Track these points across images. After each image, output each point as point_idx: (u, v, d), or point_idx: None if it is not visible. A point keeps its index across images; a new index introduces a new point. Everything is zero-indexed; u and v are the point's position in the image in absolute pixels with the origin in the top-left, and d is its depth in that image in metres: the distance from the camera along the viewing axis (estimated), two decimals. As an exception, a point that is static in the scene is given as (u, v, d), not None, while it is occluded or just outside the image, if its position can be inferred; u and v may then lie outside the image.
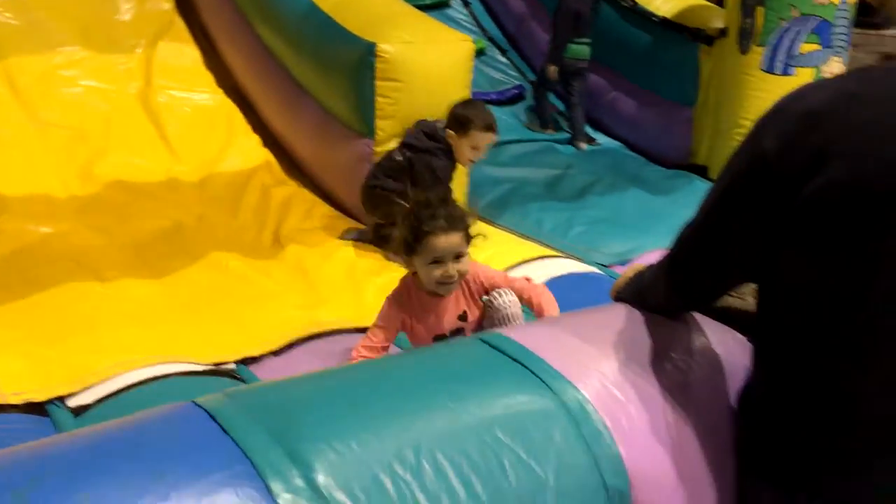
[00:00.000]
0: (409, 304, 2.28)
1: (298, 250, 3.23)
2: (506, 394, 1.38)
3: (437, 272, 2.15)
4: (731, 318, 1.65)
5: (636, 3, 5.06)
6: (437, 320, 2.30)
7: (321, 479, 1.15)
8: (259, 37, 4.13)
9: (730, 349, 1.57)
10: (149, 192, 3.63)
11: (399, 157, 3.31)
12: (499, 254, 3.14)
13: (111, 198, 3.55)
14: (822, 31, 4.29)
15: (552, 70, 4.97)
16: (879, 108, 1.12)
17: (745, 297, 1.65)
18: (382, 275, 2.99)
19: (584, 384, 1.42)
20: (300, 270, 3.09)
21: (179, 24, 4.55)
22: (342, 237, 3.40)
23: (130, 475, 1.11)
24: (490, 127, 3.29)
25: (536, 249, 3.37)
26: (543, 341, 1.53)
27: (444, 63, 3.56)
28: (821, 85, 1.21)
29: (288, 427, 1.23)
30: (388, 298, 2.32)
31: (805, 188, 1.16)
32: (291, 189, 3.83)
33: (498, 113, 5.01)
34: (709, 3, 5.00)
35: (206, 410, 1.26)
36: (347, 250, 3.24)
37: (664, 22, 4.94)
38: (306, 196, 3.79)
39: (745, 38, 4.49)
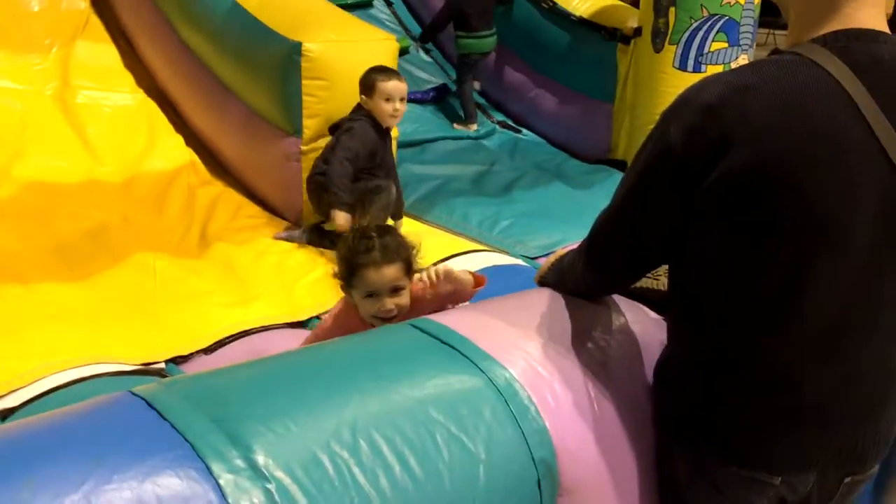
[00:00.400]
0: (348, 327, 2.13)
1: (226, 249, 3.23)
2: (436, 374, 1.44)
3: (374, 307, 2.06)
4: (646, 299, 1.75)
5: (555, 4, 5.19)
6: None
7: (261, 458, 1.19)
8: (180, 36, 4.09)
9: (646, 327, 1.67)
10: (70, 194, 3.57)
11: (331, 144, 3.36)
12: (427, 249, 3.19)
13: (30, 200, 3.48)
14: (730, 30, 4.50)
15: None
16: (771, 99, 1.23)
17: (659, 279, 1.75)
18: (314, 270, 3.02)
19: (511, 363, 1.50)
20: (228, 269, 3.09)
21: (96, 23, 4.47)
22: (276, 237, 3.41)
23: (71, 461, 1.12)
24: (388, 72, 3.35)
25: (464, 244, 3.44)
26: (470, 324, 1.60)
27: (369, 61, 3.58)
28: (717, 79, 1.30)
29: (226, 411, 1.26)
30: (329, 317, 2.25)
31: (710, 174, 1.25)
32: (218, 189, 3.81)
33: (423, 111, 5.12)
34: (624, 4, 5.17)
35: (142, 398, 1.29)
36: (276, 247, 3.25)
37: (582, 21, 5.08)
38: (233, 196, 3.78)
39: (659, 37, 4.66)
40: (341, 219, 3.17)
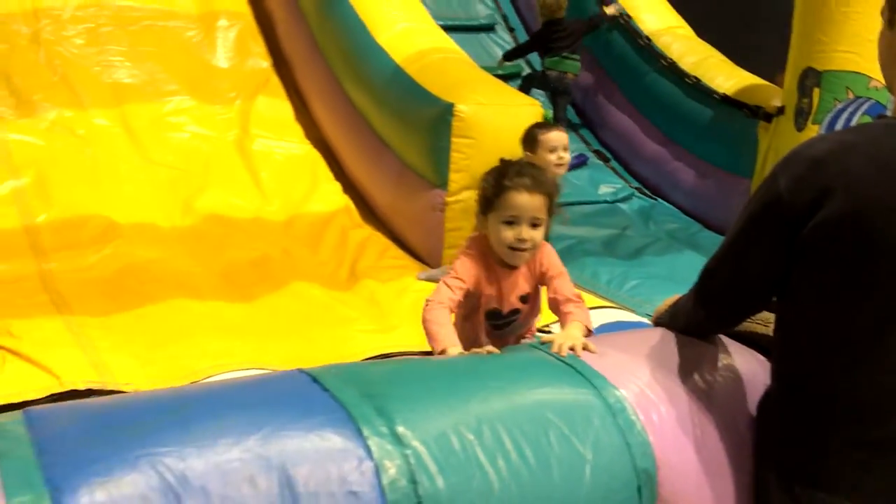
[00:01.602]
0: (482, 263, 2.14)
1: (372, 284, 3.55)
2: (555, 384, 1.64)
3: (510, 233, 2.02)
4: (756, 343, 1.89)
5: (699, 80, 5.35)
6: (499, 294, 2.19)
7: (401, 429, 1.43)
8: (347, 95, 4.55)
9: (752, 367, 1.80)
10: (241, 227, 4.02)
11: None
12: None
13: (208, 230, 3.95)
14: (875, 113, 4.51)
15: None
16: (870, 156, 1.39)
17: (769, 325, 1.88)
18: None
19: (622, 384, 1.67)
20: (373, 301, 3.40)
21: (275, 81, 5.02)
22: (418, 277, 3.70)
23: (252, 412, 1.40)
24: (547, 125, 3.60)
25: (592, 300, 3.61)
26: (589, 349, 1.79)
27: (514, 124, 3.88)
28: (824, 137, 1.48)
29: (376, 391, 1.51)
30: (463, 252, 2.19)
31: (812, 220, 1.42)
32: (367, 232, 4.18)
33: (564, 177, 5.37)
34: (767, 83, 5.26)
35: (308, 374, 1.56)
36: (417, 286, 3.54)
37: (725, 99, 5.21)
38: (381, 239, 4.13)
39: (802, 117, 4.72)
40: None
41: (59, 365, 2.58)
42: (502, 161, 2.16)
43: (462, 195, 3.83)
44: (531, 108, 4.01)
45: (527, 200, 2.03)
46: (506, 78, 5.50)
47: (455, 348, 1.97)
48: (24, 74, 4.29)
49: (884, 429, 1.45)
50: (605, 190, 5.33)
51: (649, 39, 5.61)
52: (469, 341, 2.30)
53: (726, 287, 1.63)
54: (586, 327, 2.01)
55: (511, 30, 6.43)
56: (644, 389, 1.68)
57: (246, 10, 5.21)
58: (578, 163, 5.52)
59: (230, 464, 1.30)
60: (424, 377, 1.62)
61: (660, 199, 5.44)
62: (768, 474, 1.61)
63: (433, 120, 3.83)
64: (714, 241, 4.94)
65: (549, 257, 2.21)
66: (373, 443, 1.40)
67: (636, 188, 5.53)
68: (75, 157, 4.11)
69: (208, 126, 4.59)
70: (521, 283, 2.21)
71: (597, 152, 5.79)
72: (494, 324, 2.30)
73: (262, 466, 1.31)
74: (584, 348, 1.78)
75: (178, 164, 4.30)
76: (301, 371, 1.59)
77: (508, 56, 5.90)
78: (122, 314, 3.08)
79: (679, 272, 4.13)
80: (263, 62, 5.07)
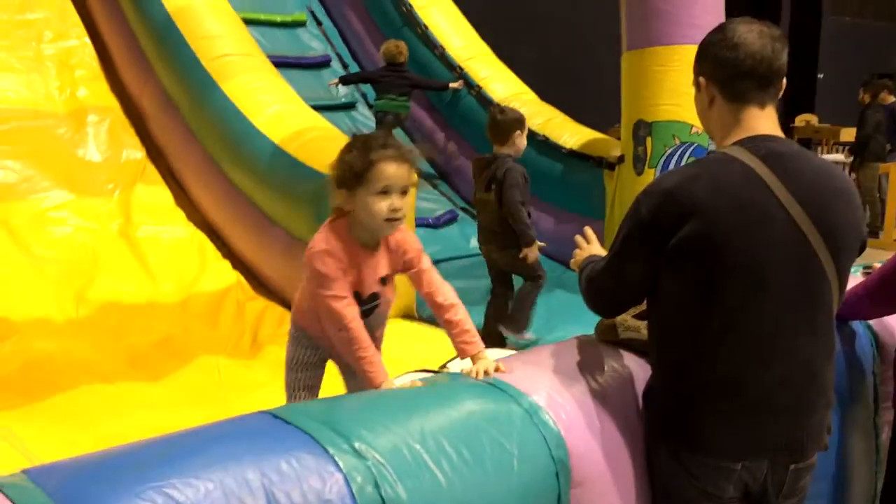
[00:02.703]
0: (338, 252, 2.16)
1: (276, 350, 3.73)
2: (481, 399, 1.94)
3: (384, 205, 2.05)
4: (632, 347, 2.27)
5: (548, 138, 5.93)
6: (359, 278, 2.21)
7: (358, 445, 1.68)
8: (228, 177, 4.77)
9: (633, 367, 2.17)
10: (137, 312, 4.11)
11: None
12: (440, 346, 3.72)
13: (105, 318, 4.02)
14: (699, 154, 5.18)
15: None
16: (710, 184, 1.79)
17: (640, 331, 2.27)
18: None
19: (533, 392, 2.00)
20: (280, 364, 3.58)
21: (152, 170, 5.17)
22: None
23: (229, 446, 1.62)
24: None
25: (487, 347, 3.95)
26: (506, 367, 2.11)
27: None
28: (674, 172, 1.88)
29: (331, 418, 1.75)
30: (317, 253, 2.18)
31: (672, 238, 1.80)
32: (263, 303, 4.37)
33: (437, 234, 5.77)
34: (606, 136, 5.91)
35: (270, 413, 1.79)
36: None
37: (572, 152, 5.80)
38: (277, 308, 4.33)
39: (640, 163, 5.35)
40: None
41: (-13, 459, 2.63)
42: (359, 136, 2.16)
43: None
44: (405, 175, 4.37)
45: (396, 170, 2.06)
46: (341, 108, 6.33)
47: (389, 382, 2.19)
48: None
49: (741, 398, 1.84)
50: (476, 243, 5.75)
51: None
52: (331, 330, 2.30)
53: (608, 295, 2.00)
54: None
55: (345, 66, 6.94)
56: (552, 394, 2.01)
57: (114, 105, 5.35)
58: (449, 219, 5.93)
59: (222, 489, 1.51)
60: (371, 404, 1.89)
61: (526, 248, 5.92)
62: (659, 448, 1.97)
63: (319, 192, 4.11)
64: (576, 279, 5.46)
65: (412, 241, 2.26)
66: (339, 459, 1.64)
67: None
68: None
69: (90, 218, 4.67)
70: (381, 265, 2.24)
71: (464, 209, 6.22)
72: (364, 311, 2.28)
73: (249, 489, 1.53)
74: (497, 370, 2.05)
75: (65, 258, 4.36)
76: (263, 412, 1.81)
77: (344, 79, 6.37)
78: (36, 404, 3.14)
79: (555, 309, 4.57)
80: (138, 153, 5.21)
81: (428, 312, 4.49)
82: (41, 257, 4.30)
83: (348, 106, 6.73)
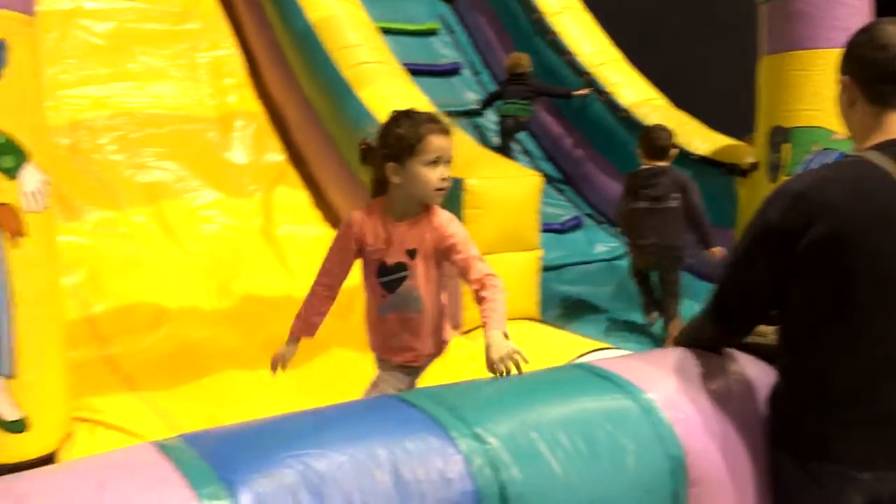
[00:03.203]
0: (366, 222, 2.36)
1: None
2: (598, 393, 1.99)
3: (434, 175, 2.23)
4: (758, 353, 2.25)
5: (677, 145, 5.84)
6: (387, 246, 2.38)
7: (478, 430, 1.77)
8: (359, 180, 4.98)
9: (758, 372, 2.16)
10: (275, 305, 4.37)
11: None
12: (562, 347, 3.77)
13: (246, 309, 4.30)
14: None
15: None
16: (844, 186, 1.77)
17: (767, 337, 2.25)
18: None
19: (651, 390, 2.03)
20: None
21: (292, 173, 5.47)
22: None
23: (362, 424, 1.75)
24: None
25: (595, 344, 3.97)
26: (623, 367, 2.15)
27: (517, 193, 4.34)
28: (803, 175, 1.87)
29: (454, 404, 1.86)
30: (347, 218, 2.44)
31: (801, 241, 1.79)
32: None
33: (562, 239, 5.80)
34: (740, 143, 5.76)
35: (398, 398, 1.91)
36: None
37: (703, 159, 5.70)
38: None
39: (775, 170, 5.19)
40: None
41: (143, 430, 2.89)
42: (402, 112, 2.32)
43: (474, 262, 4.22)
44: (532, 178, 4.45)
45: (444, 142, 2.24)
46: (469, 114, 6.69)
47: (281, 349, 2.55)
48: (67, 181, 4.69)
49: (871, 408, 1.80)
50: (601, 249, 5.75)
51: (627, 111, 6.13)
52: (372, 316, 2.58)
53: (737, 303, 1.99)
54: (503, 332, 2.18)
55: (476, 73, 7.04)
56: (670, 393, 2.04)
57: (260, 111, 5.70)
58: (574, 224, 5.95)
59: (353, 462, 1.64)
60: (491, 392, 1.98)
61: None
62: (783, 456, 1.95)
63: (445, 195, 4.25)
64: (706, 289, 5.36)
65: (456, 226, 2.39)
66: (460, 441, 1.74)
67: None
68: (120, 253, 4.49)
69: (235, 216, 5.00)
70: (408, 237, 2.37)
71: (588, 215, 6.23)
72: (383, 282, 2.45)
73: (378, 464, 1.65)
74: (517, 353, 2.08)
75: (212, 253, 4.68)
76: (391, 395, 1.94)
77: (483, 105, 6.69)
78: (185, 386, 3.41)
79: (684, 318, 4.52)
80: (280, 156, 5.53)
81: (551, 315, 4.54)
82: (192, 251, 4.65)
83: (475, 112, 6.88)
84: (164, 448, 1.63)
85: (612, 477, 1.85)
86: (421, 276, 2.42)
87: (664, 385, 2.05)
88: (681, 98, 6.42)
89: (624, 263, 5.64)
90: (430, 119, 2.25)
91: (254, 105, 5.68)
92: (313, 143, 5.43)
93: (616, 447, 1.87)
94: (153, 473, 1.52)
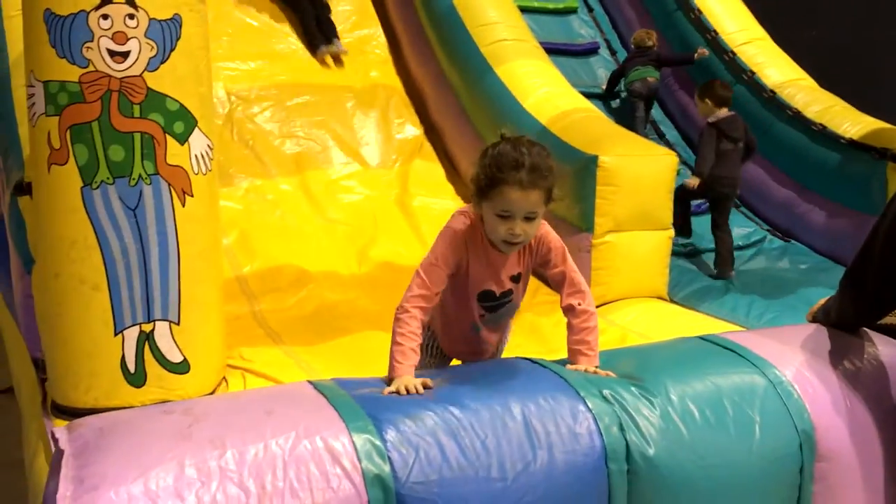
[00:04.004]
0: (471, 243, 2.07)
1: (531, 317, 3.99)
2: (726, 366, 2.03)
3: (503, 228, 1.94)
4: (894, 334, 2.21)
5: (825, 127, 5.62)
6: (493, 274, 2.14)
7: (606, 392, 1.85)
8: (495, 155, 5.08)
9: (891, 354, 2.13)
10: (409, 272, 4.51)
11: None
12: (691, 326, 3.75)
13: (382, 276, 4.51)
14: None
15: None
16: None
17: (905, 318, 2.21)
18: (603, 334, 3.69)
19: (781, 366, 2.04)
20: (534, 331, 3.84)
21: (428, 146, 5.64)
22: None
23: (499, 381, 1.86)
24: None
25: (728, 326, 3.92)
26: (752, 341, 2.17)
27: (651, 171, 4.33)
28: None
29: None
30: (446, 232, 2.13)
31: None
32: (520, 275, 4.65)
33: (695, 222, 5.71)
34: (892, 126, 5.48)
35: (530, 360, 2.01)
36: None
37: (852, 143, 5.46)
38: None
39: (930, 155, 4.93)
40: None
41: (288, 380, 3.12)
42: (502, 140, 2.04)
43: (607, 237, 4.25)
44: (666, 157, 4.42)
45: (521, 197, 1.91)
46: (602, 97, 6.57)
47: (403, 379, 1.91)
48: (221, 150, 5.03)
49: None
50: (738, 232, 5.62)
51: (773, 92, 5.93)
52: (459, 329, 2.26)
53: (870, 277, 1.98)
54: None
55: (613, 53, 6.94)
56: (800, 368, 2.05)
57: (399, 87, 5.89)
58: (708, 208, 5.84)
59: (489, 411, 1.76)
60: (619, 360, 2.05)
61: (792, 241, 5.68)
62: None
63: (579, 171, 4.29)
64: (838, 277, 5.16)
65: (554, 238, 2.17)
66: (589, 401, 1.83)
67: (767, 230, 5.80)
68: (267, 218, 4.79)
69: (373, 187, 5.22)
70: (513, 263, 2.17)
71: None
72: (487, 305, 2.23)
73: (511, 415, 1.77)
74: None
75: (351, 221, 4.92)
76: (521, 357, 2.05)
77: (608, 89, 6.65)
78: (325, 344, 3.64)
79: (815, 303, 4.38)
80: (417, 130, 5.71)
81: (680, 294, 4.51)
82: (332, 220, 4.90)
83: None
84: (318, 386, 1.80)
85: (739, 446, 1.88)
86: (520, 294, 2.30)
87: (795, 361, 2.06)
88: (829, 79, 6.15)
89: (761, 248, 5.52)
90: (515, 165, 1.91)
91: (394, 81, 5.88)
92: (449, 119, 5.57)
93: (744, 419, 1.91)
94: (310, 405, 1.69)
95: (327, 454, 1.57)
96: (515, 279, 2.21)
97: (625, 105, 6.76)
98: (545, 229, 2.13)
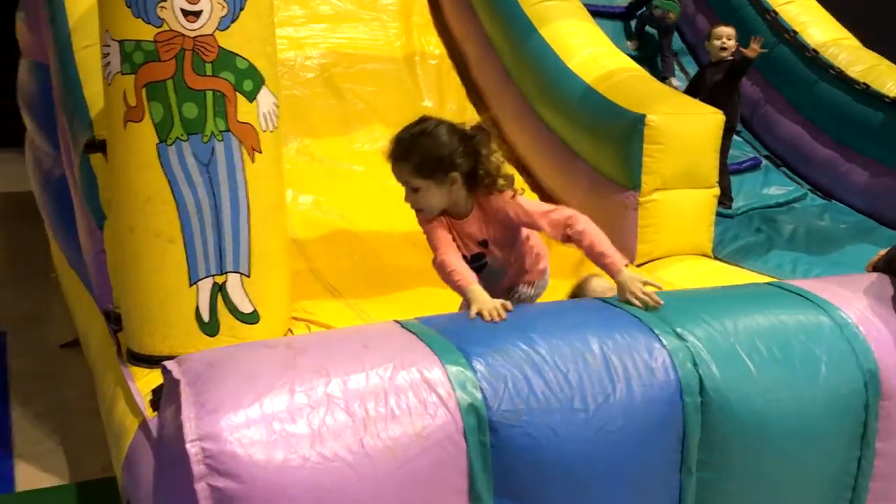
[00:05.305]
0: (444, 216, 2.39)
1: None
2: (793, 307, 2.10)
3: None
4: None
5: (869, 86, 5.60)
6: (460, 238, 2.45)
7: (679, 330, 1.94)
8: (540, 117, 5.14)
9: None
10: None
11: None
12: (738, 282, 3.81)
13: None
14: None
15: None
16: None
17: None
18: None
19: (846, 308, 2.12)
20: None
21: (471, 110, 5.70)
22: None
23: (576, 319, 1.95)
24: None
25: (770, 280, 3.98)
26: (817, 286, 2.24)
27: (697, 129, 4.37)
28: None
29: (661, 309, 2.02)
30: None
31: None
32: (565, 234, 4.73)
33: (738, 180, 5.75)
34: (940, 84, 5.45)
35: (603, 300, 2.11)
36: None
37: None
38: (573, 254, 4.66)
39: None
40: None
41: (352, 330, 3.25)
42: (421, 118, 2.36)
43: (654, 195, 4.31)
44: (713, 116, 4.45)
45: (396, 169, 2.30)
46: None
47: (481, 301, 2.07)
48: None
49: None
50: (778, 191, 5.66)
51: (816, 51, 5.91)
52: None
53: None
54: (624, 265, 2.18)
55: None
56: (864, 312, 2.12)
57: (442, 51, 5.94)
58: (752, 165, 5.87)
59: (569, 346, 1.85)
60: (689, 300, 2.14)
61: (833, 200, 5.70)
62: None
63: (626, 130, 4.34)
64: (891, 235, 5.18)
65: (513, 206, 2.32)
66: (663, 338, 1.92)
67: (808, 190, 5.81)
68: (317, 179, 4.89)
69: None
70: (474, 231, 2.43)
71: (767, 157, 6.10)
72: (472, 266, 2.46)
73: (590, 350, 1.86)
74: (649, 284, 2.08)
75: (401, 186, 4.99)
76: (595, 298, 2.14)
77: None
78: (383, 297, 3.75)
79: (860, 260, 4.40)
80: (459, 93, 5.76)
81: (723, 251, 4.57)
82: (384, 185, 4.98)
83: (652, 56, 6.81)
84: (406, 325, 1.91)
85: (805, 383, 1.97)
86: (500, 254, 2.48)
87: (858, 304, 2.14)
88: (873, 38, 6.11)
89: (803, 206, 5.55)
90: (394, 141, 2.28)
91: (437, 44, 5.92)
92: (492, 81, 5.62)
93: (810, 356, 1.99)
94: (402, 340, 1.80)
95: (424, 384, 1.68)
96: (483, 244, 2.43)
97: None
98: (502, 202, 2.31)
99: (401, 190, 4.94)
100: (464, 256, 2.45)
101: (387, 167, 5.04)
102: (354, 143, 5.22)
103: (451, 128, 2.38)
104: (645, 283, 2.10)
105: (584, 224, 2.31)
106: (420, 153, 2.21)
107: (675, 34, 6.83)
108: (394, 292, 3.83)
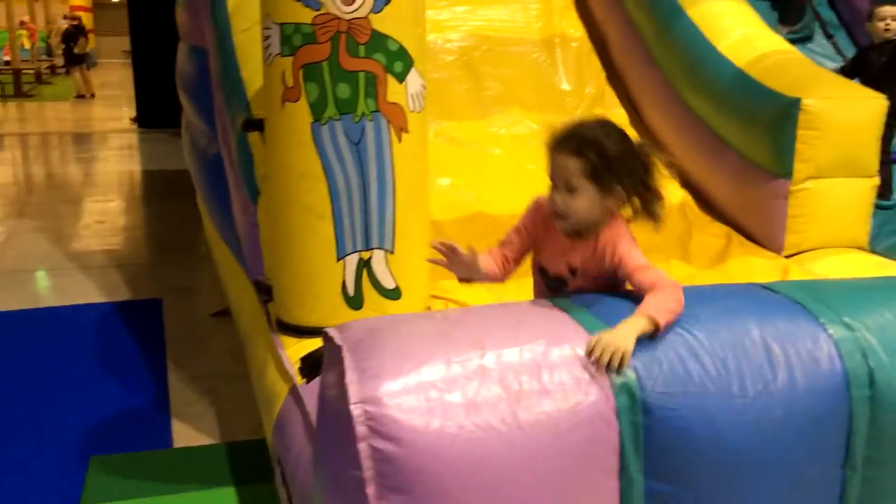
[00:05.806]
0: (540, 219, 2.13)
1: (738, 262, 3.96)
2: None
3: (550, 195, 1.99)
4: None
5: None
6: (553, 253, 2.15)
7: (847, 319, 1.84)
8: (684, 101, 4.99)
9: None
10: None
11: None
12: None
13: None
14: None
15: None
16: None
17: None
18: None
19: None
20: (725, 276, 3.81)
21: (610, 93, 5.60)
22: None
23: (735, 304, 1.89)
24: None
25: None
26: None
27: (858, 115, 4.12)
28: None
29: (818, 296, 1.94)
30: (533, 199, 2.21)
31: None
32: (705, 221, 4.58)
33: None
34: None
35: (761, 286, 2.03)
36: (767, 266, 3.89)
37: None
38: (720, 227, 4.52)
39: None
40: None
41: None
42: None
43: (806, 183, 4.11)
44: (875, 101, 4.19)
45: (557, 162, 1.96)
46: (797, 41, 5.88)
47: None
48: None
49: None
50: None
51: None
52: (537, 292, 2.33)
53: None
54: (653, 320, 1.76)
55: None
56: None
57: (581, 33, 5.85)
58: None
59: (729, 332, 1.80)
60: (855, 288, 2.03)
61: None
62: None
63: (779, 115, 4.15)
64: None
65: (619, 247, 2.00)
66: (830, 327, 1.83)
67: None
68: (454, 160, 4.94)
69: (557, 135, 5.25)
70: (571, 254, 2.11)
71: None
72: (546, 281, 2.25)
73: (750, 337, 1.80)
74: (623, 355, 1.67)
75: (537, 167, 4.97)
76: (755, 283, 2.07)
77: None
78: (517, 279, 3.71)
79: None
80: (598, 76, 5.67)
81: (880, 245, 4.31)
82: (520, 169, 4.98)
83: (805, 39, 6.47)
84: (555, 302, 1.91)
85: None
86: (581, 285, 2.14)
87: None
88: None
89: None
90: (565, 132, 1.97)
91: (577, 27, 5.84)
92: (634, 64, 5.50)
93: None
94: (551, 316, 1.80)
95: (576, 361, 1.68)
96: (573, 272, 2.12)
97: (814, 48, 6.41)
98: (616, 234, 2.02)
99: (536, 174, 4.95)
100: (545, 271, 2.22)
101: (523, 150, 5.11)
102: (492, 126, 5.23)
103: (629, 138, 2.18)
104: (621, 360, 1.69)
105: (677, 285, 1.92)
106: (598, 152, 1.94)
107: (831, 12, 6.46)
108: (528, 274, 3.82)
